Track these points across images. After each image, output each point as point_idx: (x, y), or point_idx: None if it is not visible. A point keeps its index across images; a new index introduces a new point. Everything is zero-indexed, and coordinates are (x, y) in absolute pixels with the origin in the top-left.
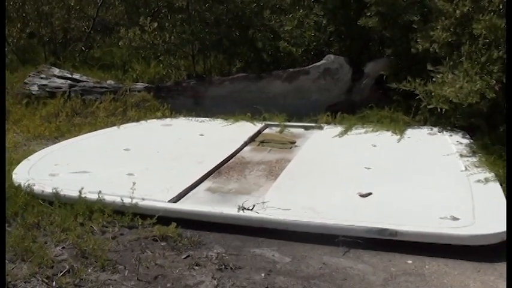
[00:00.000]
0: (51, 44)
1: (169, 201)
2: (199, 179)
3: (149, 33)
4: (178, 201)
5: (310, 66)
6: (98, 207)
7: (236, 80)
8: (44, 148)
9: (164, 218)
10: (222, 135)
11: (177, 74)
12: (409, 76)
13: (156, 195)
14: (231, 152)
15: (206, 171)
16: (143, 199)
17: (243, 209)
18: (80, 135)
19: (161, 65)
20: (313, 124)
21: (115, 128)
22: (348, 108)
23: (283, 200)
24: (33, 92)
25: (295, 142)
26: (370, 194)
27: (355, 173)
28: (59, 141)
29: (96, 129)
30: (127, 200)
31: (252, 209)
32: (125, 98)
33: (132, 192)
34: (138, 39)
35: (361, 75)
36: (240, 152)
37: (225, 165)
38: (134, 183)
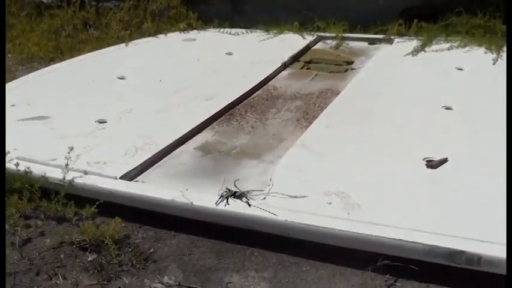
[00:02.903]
0: None
1: (123, 176)
2: (193, 129)
3: None
4: (138, 175)
5: None
6: (22, 183)
7: None
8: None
9: (116, 205)
10: (255, 54)
11: None
12: None
13: (107, 167)
14: (260, 80)
15: (209, 116)
16: (85, 173)
17: (226, 198)
18: (77, 57)
19: None
20: (380, 36)
21: (122, 45)
22: (427, 15)
23: (302, 175)
24: (44, 0)
25: (352, 62)
26: (445, 161)
27: (428, 117)
28: (53, 63)
29: (102, 47)
30: (63, 174)
31: (241, 198)
32: (146, 5)
33: (76, 159)
34: None
35: None
36: (274, 79)
37: (246, 100)
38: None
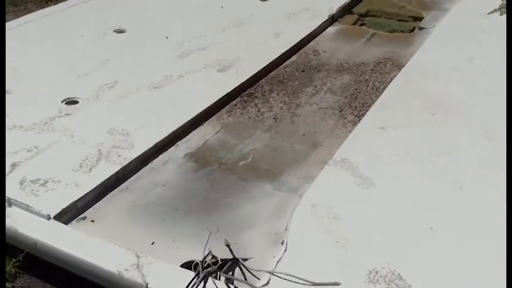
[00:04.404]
0: None
1: (61, 214)
2: (191, 120)
3: None
4: (87, 208)
5: None
6: None
7: None
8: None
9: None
10: (295, 1)
11: None
12: None
13: (42, 194)
14: (297, 41)
15: (218, 98)
16: (9, 203)
17: (204, 278)
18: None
19: None
20: None
21: None
22: None
23: (338, 230)
24: None
25: (421, 18)
26: None
27: None
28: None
29: None
30: None
31: (230, 282)
32: None
33: (10, 171)
34: None
35: None
36: (316, 39)
37: (275, 72)
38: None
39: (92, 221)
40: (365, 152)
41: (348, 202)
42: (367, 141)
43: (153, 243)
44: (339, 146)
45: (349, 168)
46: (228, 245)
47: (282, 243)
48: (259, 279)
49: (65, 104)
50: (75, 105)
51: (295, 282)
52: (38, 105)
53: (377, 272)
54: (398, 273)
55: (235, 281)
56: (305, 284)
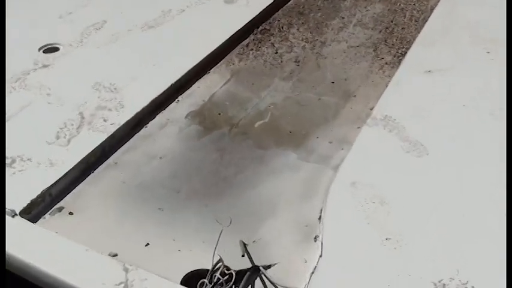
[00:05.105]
0: None
1: (29, 207)
2: (196, 66)
3: None
4: (65, 194)
5: None
6: None
7: None
8: None
9: None
10: None
11: None
12: None
13: (10, 178)
14: None
15: (227, 37)
16: None
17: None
18: None
19: None
20: None
21: None
22: None
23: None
24: None
25: None
26: None
27: None
28: None
29: None
30: None
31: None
32: None
33: None
34: None
35: None
36: None
37: (293, 1)
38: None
39: (70, 213)
40: (410, 105)
41: (397, 178)
42: (411, 90)
43: (147, 244)
44: (376, 96)
45: (393, 128)
46: (245, 250)
47: (316, 239)
48: None
49: (43, 52)
50: (55, 53)
51: None
52: (9, 56)
53: (444, 286)
54: (472, 287)
55: None
56: None
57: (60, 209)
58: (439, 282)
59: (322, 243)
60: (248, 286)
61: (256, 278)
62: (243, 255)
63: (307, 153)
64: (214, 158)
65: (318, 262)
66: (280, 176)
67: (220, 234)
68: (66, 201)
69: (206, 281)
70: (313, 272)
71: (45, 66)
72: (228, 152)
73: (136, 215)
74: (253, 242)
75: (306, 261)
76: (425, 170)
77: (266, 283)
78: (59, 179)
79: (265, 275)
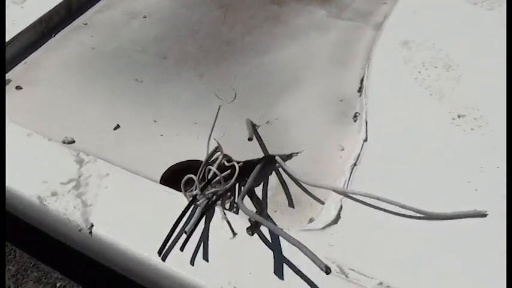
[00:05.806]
0: None
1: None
2: None
3: None
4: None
5: None
6: None
7: None
8: None
9: None
10: None
11: None
12: None
13: None
14: None
15: None
16: None
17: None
18: None
19: None
20: None
21: None
22: None
23: None
24: None
25: None
26: None
27: None
28: None
29: None
30: None
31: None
32: None
33: None
34: None
35: None
36: None
37: None
38: None
39: (18, 87)
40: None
41: (464, 35)
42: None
43: (117, 127)
44: None
45: None
46: (253, 133)
47: (355, 118)
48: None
49: None
50: None
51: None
52: None
53: None
54: None
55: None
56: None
57: (8, 82)
58: None
59: (366, 123)
60: (259, 184)
61: (270, 173)
62: (250, 139)
63: (338, 9)
64: (216, 16)
65: (361, 149)
66: (303, 38)
67: (218, 111)
68: (14, 73)
69: (195, 177)
70: (355, 164)
71: None
72: (234, 8)
73: (106, 89)
74: (267, 122)
75: (342, 149)
76: (497, 25)
77: (285, 180)
78: (9, 42)
79: (283, 169)
